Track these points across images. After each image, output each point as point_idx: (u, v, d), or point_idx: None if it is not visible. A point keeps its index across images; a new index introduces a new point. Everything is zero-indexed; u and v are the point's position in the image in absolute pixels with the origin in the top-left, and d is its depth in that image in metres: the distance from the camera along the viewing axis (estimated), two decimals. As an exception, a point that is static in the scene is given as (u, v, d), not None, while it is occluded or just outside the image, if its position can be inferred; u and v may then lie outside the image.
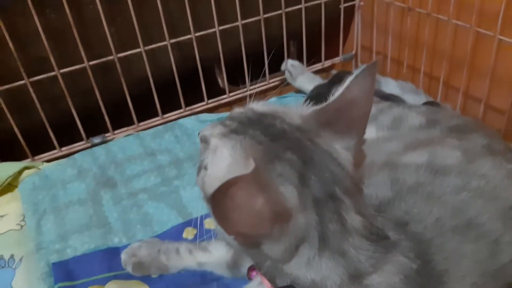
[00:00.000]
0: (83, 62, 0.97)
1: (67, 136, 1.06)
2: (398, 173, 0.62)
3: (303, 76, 1.20)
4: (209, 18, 1.06)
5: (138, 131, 1.11)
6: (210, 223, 0.86)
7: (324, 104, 0.48)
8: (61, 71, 0.95)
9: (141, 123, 1.12)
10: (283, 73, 1.23)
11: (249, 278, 0.57)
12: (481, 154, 0.64)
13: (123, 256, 0.78)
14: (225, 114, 1.15)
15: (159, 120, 1.13)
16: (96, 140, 1.07)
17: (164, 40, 1.03)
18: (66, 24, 0.91)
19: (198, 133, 0.54)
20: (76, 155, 1.03)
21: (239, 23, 1.09)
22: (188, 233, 0.86)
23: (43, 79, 0.95)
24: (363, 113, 0.48)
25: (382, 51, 1.26)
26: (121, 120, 1.10)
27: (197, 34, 1.05)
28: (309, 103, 1.10)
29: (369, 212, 0.47)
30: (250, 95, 1.14)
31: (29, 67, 0.93)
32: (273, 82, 1.24)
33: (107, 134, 1.09)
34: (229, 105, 1.19)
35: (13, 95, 0.94)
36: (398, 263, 0.46)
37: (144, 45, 1.01)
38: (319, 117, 0.48)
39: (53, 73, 0.95)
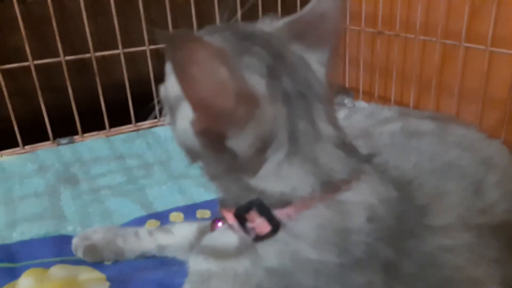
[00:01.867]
0: (59, 57, 0.96)
1: (33, 134, 1.02)
2: (372, 139, 0.61)
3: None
4: (190, 28, 1.09)
5: (108, 136, 1.07)
6: (176, 217, 0.82)
7: (295, 16, 0.47)
8: (35, 62, 0.94)
9: (113, 129, 1.09)
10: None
11: (212, 231, 0.53)
12: (454, 124, 0.64)
13: (75, 240, 0.71)
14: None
15: (131, 127, 1.10)
16: (63, 141, 1.04)
17: (144, 45, 1.04)
18: (46, 14, 0.92)
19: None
20: (39, 151, 0.99)
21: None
22: (151, 225, 0.80)
23: (16, 70, 0.93)
24: (334, 27, 0.47)
25: (355, 83, 1.30)
26: (91, 124, 1.07)
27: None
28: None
29: (342, 129, 0.45)
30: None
31: (2, 55, 0.91)
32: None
33: (75, 137, 1.05)
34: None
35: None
36: (374, 185, 0.44)
37: (124, 47, 1.02)
38: (291, 28, 0.47)
39: (26, 63, 0.93)
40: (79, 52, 0.99)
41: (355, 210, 0.43)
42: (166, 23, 1.05)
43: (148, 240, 0.70)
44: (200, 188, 0.91)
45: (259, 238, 0.44)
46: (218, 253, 0.47)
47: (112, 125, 1.09)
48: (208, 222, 0.70)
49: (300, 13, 0.48)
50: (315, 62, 0.47)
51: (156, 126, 1.12)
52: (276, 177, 0.43)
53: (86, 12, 0.96)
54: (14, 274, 0.66)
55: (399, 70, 1.15)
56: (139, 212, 0.83)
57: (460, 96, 1.01)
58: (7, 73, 0.93)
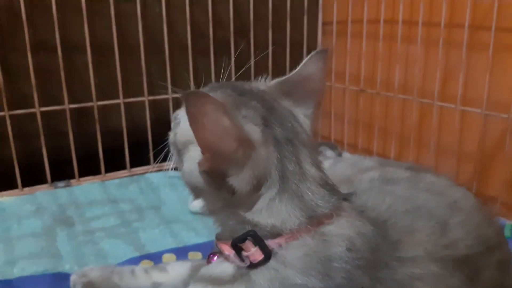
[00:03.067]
0: (63, 104, 1.03)
1: (31, 177, 1.06)
2: (353, 185, 0.67)
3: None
4: (186, 82, 1.17)
5: (103, 180, 1.12)
6: (169, 258, 0.86)
7: (285, 77, 0.56)
8: (41, 109, 1.01)
9: (108, 174, 1.14)
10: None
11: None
12: (427, 173, 0.71)
13: (73, 277, 0.74)
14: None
15: (126, 173, 1.15)
16: (60, 184, 1.08)
17: (143, 96, 1.12)
18: (54, 65, 1.00)
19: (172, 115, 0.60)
20: (37, 193, 1.02)
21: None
22: (144, 264, 0.83)
23: (21, 116, 0.99)
24: (318, 87, 0.55)
25: (340, 136, 1.39)
26: (88, 168, 1.12)
27: (174, 95, 1.16)
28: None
29: (325, 171, 0.52)
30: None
31: (11, 101, 0.98)
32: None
33: (72, 180, 1.10)
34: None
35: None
36: (352, 221, 0.50)
37: (124, 98, 1.09)
38: (280, 87, 0.55)
39: (33, 110, 1.00)
40: (81, 101, 1.06)
41: (336, 241, 0.48)
42: (164, 77, 1.14)
43: (144, 278, 0.74)
44: (191, 232, 0.96)
45: (253, 265, 0.49)
46: (215, 281, 0.51)
47: (107, 170, 1.14)
48: (200, 261, 0.75)
49: (289, 75, 0.56)
50: (301, 115, 0.55)
51: (149, 172, 1.18)
52: (269, 212, 0.49)
53: (92, 64, 1.04)
54: (13, 309, 0.68)
55: (380, 125, 1.24)
56: (132, 253, 0.86)
57: (437, 150, 1.09)
58: (12, 118, 0.99)
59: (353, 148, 1.36)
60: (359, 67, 1.26)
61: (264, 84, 0.57)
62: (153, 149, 1.17)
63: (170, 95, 1.15)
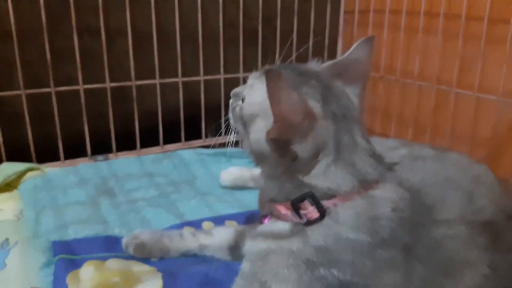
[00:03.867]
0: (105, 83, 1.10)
1: (72, 149, 1.13)
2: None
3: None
4: (217, 67, 1.24)
5: (139, 156, 1.19)
6: (208, 225, 0.93)
7: (335, 60, 0.63)
8: (85, 86, 1.07)
9: (142, 149, 1.21)
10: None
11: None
12: (450, 152, 0.79)
13: (125, 239, 0.81)
14: (220, 150, 1.27)
15: (159, 149, 1.23)
16: (100, 158, 1.15)
17: (177, 77, 1.19)
18: (98, 49, 1.06)
19: (231, 93, 0.67)
20: (80, 165, 1.09)
21: (240, 74, 1.28)
22: (187, 230, 0.90)
23: (66, 94, 1.06)
24: (365, 71, 0.63)
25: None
26: (124, 144, 1.19)
27: (205, 77, 1.22)
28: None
29: (372, 144, 0.59)
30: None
31: (57, 80, 1.04)
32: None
33: (110, 154, 1.17)
34: (222, 145, 1.31)
35: (35, 103, 1.04)
36: (395, 187, 0.57)
37: (160, 78, 1.16)
38: (332, 69, 0.62)
39: (77, 87, 1.06)
40: (121, 81, 1.12)
41: (382, 203, 0.56)
42: (197, 64, 1.20)
43: (191, 240, 0.81)
44: (224, 204, 1.03)
45: (309, 222, 0.56)
46: (274, 235, 0.59)
47: (142, 146, 1.21)
48: (241, 227, 0.82)
49: (339, 58, 0.63)
50: (351, 94, 0.62)
51: (181, 149, 1.25)
52: (325, 176, 0.56)
53: (132, 48, 1.10)
54: (75, 265, 0.75)
55: (398, 111, 1.31)
56: (174, 221, 0.93)
57: (452, 136, 1.17)
58: (58, 95, 1.05)
59: (370, 132, 1.42)
60: (379, 56, 1.32)
61: (318, 66, 0.64)
62: (184, 128, 1.25)
63: (202, 77, 1.22)
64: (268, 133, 0.56)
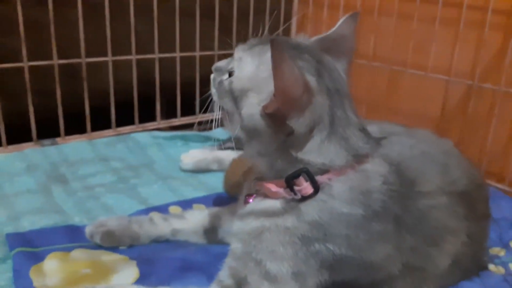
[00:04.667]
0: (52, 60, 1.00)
1: (16, 134, 1.02)
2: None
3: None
4: (172, 44, 1.18)
5: (90, 139, 1.11)
6: (175, 209, 0.89)
7: (323, 35, 0.62)
8: (30, 63, 0.97)
9: (93, 133, 1.12)
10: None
11: (245, 205, 0.63)
12: (415, 128, 0.82)
13: (89, 228, 0.75)
14: (178, 133, 1.22)
15: (111, 132, 1.15)
16: (47, 142, 1.05)
17: (130, 55, 1.11)
18: (44, 19, 0.96)
19: (212, 67, 0.63)
20: (26, 150, 0.99)
21: (197, 53, 1.23)
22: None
23: (9, 71, 0.95)
24: (350, 47, 0.62)
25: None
26: (71, 127, 1.10)
27: (161, 55, 1.16)
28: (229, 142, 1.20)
29: (361, 119, 0.59)
30: (200, 122, 1.25)
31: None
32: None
33: (57, 138, 1.07)
34: (179, 128, 1.26)
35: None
36: (382, 161, 0.58)
37: (112, 56, 1.08)
38: (320, 43, 0.61)
39: (21, 64, 0.96)
40: (70, 58, 1.03)
41: (374, 176, 0.57)
42: (151, 37, 1.14)
43: (163, 225, 0.77)
44: (188, 187, 0.99)
45: (304, 198, 0.55)
46: (267, 213, 0.58)
47: (92, 129, 1.12)
48: (217, 209, 0.80)
49: (326, 33, 0.62)
50: (340, 69, 0.61)
51: (135, 132, 1.18)
52: (319, 152, 0.56)
53: (83, 21, 1.01)
54: (37, 257, 0.69)
55: (352, 90, 1.34)
56: (139, 206, 0.88)
57: (404, 115, 1.22)
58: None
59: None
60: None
61: (306, 40, 0.62)
62: (139, 108, 1.18)
63: (157, 55, 1.15)
64: (265, 107, 0.54)
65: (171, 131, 1.22)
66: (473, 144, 1.11)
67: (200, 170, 1.08)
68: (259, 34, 0.65)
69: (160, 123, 1.23)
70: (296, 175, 0.55)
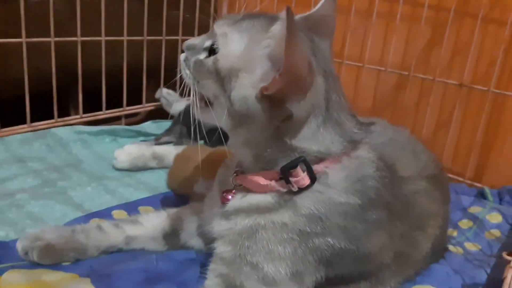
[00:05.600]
0: None
1: None
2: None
3: (178, 103, 1.24)
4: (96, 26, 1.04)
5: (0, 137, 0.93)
6: (119, 214, 0.78)
7: (306, 14, 0.57)
8: None
9: (4, 129, 0.94)
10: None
11: (224, 203, 0.56)
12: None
13: (22, 242, 0.61)
14: (105, 127, 1.08)
15: (26, 128, 0.97)
16: None
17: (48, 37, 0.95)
18: None
19: (183, 46, 0.55)
20: None
21: (124, 37, 1.10)
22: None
23: None
24: (332, 28, 0.58)
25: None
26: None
27: (83, 38, 1.01)
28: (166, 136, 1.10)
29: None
30: (126, 115, 1.15)
31: None
32: (149, 106, 1.24)
33: (-44, 137, 0.88)
34: (104, 122, 1.12)
35: None
36: (370, 147, 0.56)
37: (27, 37, 0.91)
38: (305, 22, 0.56)
39: None
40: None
41: (367, 163, 0.54)
42: (74, 21, 0.98)
43: (115, 232, 0.66)
44: (128, 188, 0.89)
45: (300, 190, 0.51)
46: (259, 209, 0.52)
47: (2, 126, 0.94)
48: (177, 210, 0.71)
49: (309, 12, 0.58)
50: (326, 50, 0.57)
51: (54, 126, 1.02)
52: (314, 138, 0.51)
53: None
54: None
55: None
56: (74, 213, 0.76)
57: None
58: None
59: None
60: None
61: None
62: (58, 100, 1.01)
63: (79, 38, 1.00)
64: (265, 88, 0.48)
65: (96, 126, 1.08)
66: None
67: (137, 168, 0.97)
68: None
69: (83, 116, 1.08)
70: (293, 165, 0.50)
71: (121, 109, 1.15)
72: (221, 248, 0.53)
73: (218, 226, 0.54)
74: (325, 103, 0.51)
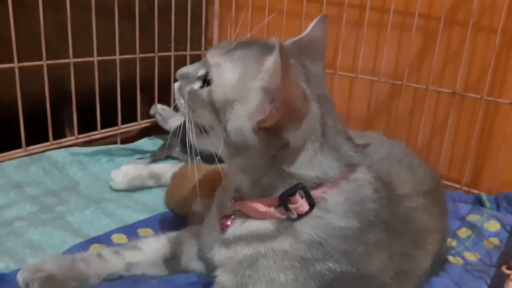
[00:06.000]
0: None
1: None
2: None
3: (174, 118, 1.24)
4: (88, 47, 1.04)
5: (-6, 163, 0.92)
6: (119, 238, 0.78)
7: (297, 38, 0.57)
8: None
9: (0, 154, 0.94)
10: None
11: (223, 230, 0.56)
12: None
13: (22, 274, 0.61)
14: (100, 148, 1.08)
15: (21, 152, 0.97)
16: None
17: (41, 60, 0.95)
18: None
19: (177, 75, 0.55)
20: None
21: (117, 57, 1.10)
22: (95, 248, 0.73)
23: None
24: (323, 49, 0.59)
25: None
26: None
27: (75, 60, 1.01)
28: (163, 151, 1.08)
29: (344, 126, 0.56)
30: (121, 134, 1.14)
31: None
32: (144, 123, 1.24)
33: (-49, 165, 0.87)
34: (99, 141, 1.12)
35: None
36: (366, 168, 0.56)
37: (19, 61, 0.91)
38: (296, 46, 0.56)
39: None
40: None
41: (365, 185, 0.54)
42: (65, 39, 0.98)
43: (115, 260, 0.66)
44: (127, 209, 0.88)
45: (299, 216, 0.51)
46: (259, 237, 0.52)
47: (-3, 151, 0.94)
48: (175, 233, 0.71)
49: (299, 36, 0.58)
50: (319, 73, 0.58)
51: (50, 149, 1.01)
52: (311, 164, 0.51)
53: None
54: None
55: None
56: (73, 240, 0.75)
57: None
58: None
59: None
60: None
61: (279, 43, 0.57)
62: (52, 121, 1.01)
63: (71, 60, 1.00)
64: (262, 121, 0.48)
65: (91, 147, 1.07)
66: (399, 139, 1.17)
67: (134, 188, 0.97)
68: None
69: (78, 137, 1.08)
70: (292, 192, 0.50)
71: (116, 127, 1.15)
72: (222, 277, 0.53)
73: (219, 254, 0.54)
74: (321, 128, 0.51)
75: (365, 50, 1.14)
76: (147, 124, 1.24)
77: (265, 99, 0.48)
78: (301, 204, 0.50)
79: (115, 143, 1.16)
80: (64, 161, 1.01)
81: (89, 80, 1.06)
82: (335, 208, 0.52)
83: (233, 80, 0.50)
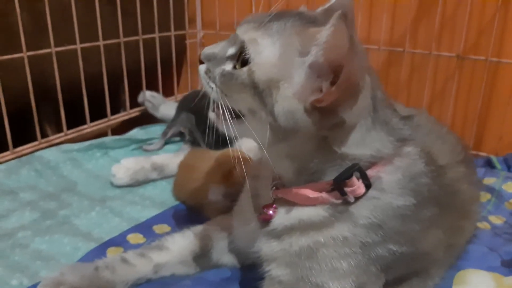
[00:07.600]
0: None
1: None
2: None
3: (165, 105, 1.18)
4: (70, 35, 0.95)
5: (-21, 169, 0.84)
6: (135, 238, 0.72)
7: (327, 6, 0.52)
8: None
9: (-17, 160, 0.85)
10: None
11: (265, 220, 0.52)
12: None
13: (42, 290, 0.55)
14: (93, 141, 1.00)
15: (9, 154, 0.88)
16: None
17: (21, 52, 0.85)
18: None
19: (200, 55, 0.50)
20: None
21: (100, 42, 1.01)
22: (112, 252, 0.68)
23: None
24: (352, 16, 0.53)
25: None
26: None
27: (57, 49, 0.92)
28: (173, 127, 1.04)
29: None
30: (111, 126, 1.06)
31: None
32: (134, 112, 1.16)
33: None
34: (89, 136, 1.04)
35: None
36: (415, 142, 0.53)
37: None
38: (326, 15, 0.50)
39: None
40: None
41: (417, 159, 0.51)
42: (42, 29, 0.89)
43: (142, 263, 0.61)
44: (135, 206, 0.82)
45: (356, 199, 0.47)
46: (314, 225, 0.48)
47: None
48: (202, 226, 0.66)
49: (328, 4, 0.53)
50: None
51: (39, 149, 0.93)
52: (365, 143, 0.47)
53: None
54: None
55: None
56: (87, 245, 0.69)
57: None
58: None
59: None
60: (232, 15, 1.24)
61: (312, 12, 0.52)
62: (31, 120, 0.92)
63: (53, 49, 0.91)
64: (318, 100, 0.43)
65: (83, 142, 1.00)
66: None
67: (137, 182, 0.91)
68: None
69: (67, 133, 0.99)
70: (348, 175, 0.46)
71: (105, 119, 1.07)
72: (277, 272, 0.49)
73: (268, 247, 0.50)
74: (372, 102, 0.47)
75: (361, 19, 1.10)
76: (137, 113, 1.17)
77: (313, 75, 0.43)
78: (358, 186, 0.47)
79: (105, 135, 1.08)
80: (57, 160, 0.93)
81: (72, 71, 0.97)
82: (391, 187, 0.48)
83: (274, 57, 0.45)
